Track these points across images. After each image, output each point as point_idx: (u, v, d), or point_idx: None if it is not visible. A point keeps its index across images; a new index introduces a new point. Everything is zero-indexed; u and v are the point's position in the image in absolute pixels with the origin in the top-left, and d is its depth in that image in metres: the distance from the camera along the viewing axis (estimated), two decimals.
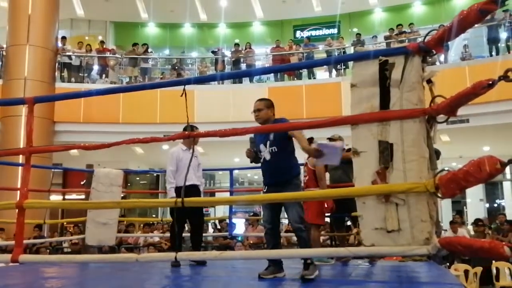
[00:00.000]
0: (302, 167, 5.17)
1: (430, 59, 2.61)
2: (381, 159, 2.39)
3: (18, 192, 9.19)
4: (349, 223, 6.20)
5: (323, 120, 2.63)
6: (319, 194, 3.03)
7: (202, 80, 10.23)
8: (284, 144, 3.85)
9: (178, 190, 4.93)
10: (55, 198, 13.98)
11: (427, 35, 2.41)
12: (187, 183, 4.74)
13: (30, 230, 9.67)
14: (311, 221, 5.11)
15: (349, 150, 5.69)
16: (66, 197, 15.11)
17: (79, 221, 8.08)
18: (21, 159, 8.89)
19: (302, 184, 5.03)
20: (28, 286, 3.82)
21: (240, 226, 11.53)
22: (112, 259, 3.35)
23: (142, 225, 11.07)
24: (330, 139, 5.92)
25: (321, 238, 5.69)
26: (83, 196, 13.42)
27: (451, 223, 9.59)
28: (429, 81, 2.45)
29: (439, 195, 2.20)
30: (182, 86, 3.03)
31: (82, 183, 14.03)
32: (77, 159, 14.25)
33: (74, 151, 12.41)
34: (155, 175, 18.27)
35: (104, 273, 4.61)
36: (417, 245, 2.24)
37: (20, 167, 9.75)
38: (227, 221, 8.61)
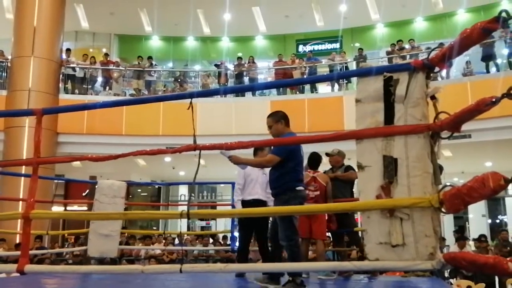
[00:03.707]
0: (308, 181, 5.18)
1: (432, 75, 2.64)
2: (385, 173, 2.40)
3: (20, 202, 9.24)
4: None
5: (328, 134, 2.66)
6: (326, 208, 3.04)
7: (206, 94, 10.25)
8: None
9: (245, 204, 5.04)
10: (57, 209, 13.96)
11: (431, 51, 2.45)
12: (252, 197, 4.99)
13: (31, 241, 9.66)
14: (322, 237, 5.14)
15: (342, 167, 5.77)
16: (68, 208, 15.11)
17: (81, 233, 8.08)
18: (24, 169, 8.94)
19: (312, 196, 5.04)
20: None
21: None
22: (117, 270, 3.35)
23: (143, 237, 11.04)
24: (328, 154, 5.96)
25: (309, 252, 5.70)
26: (85, 208, 13.47)
27: (458, 239, 9.56)
28: (433, 97, 2.48)
29: (444, 210, 2.21)
30: (185, 100, 3.08)
31: (84, 194, 14.10)
32: (79, 171, 14.29)
33: (76, 162, 12.44)
34: (156, 187, 18.29)
35: (106, 285, 4.61)
36: (422, 260, 2.25)
37: (22, 178, 9.83)
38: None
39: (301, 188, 3.97)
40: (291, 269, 3.35)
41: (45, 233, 7.91)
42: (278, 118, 4.08)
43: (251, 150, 4.77)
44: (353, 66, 14.52)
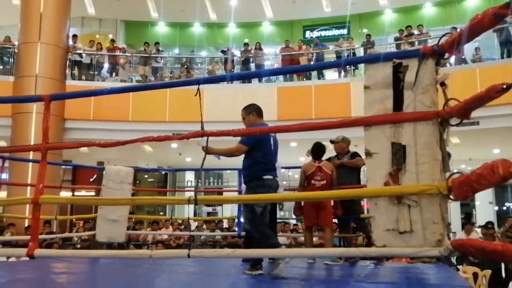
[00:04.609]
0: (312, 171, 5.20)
1: (442, 61, 2.62)
2: (393, 160, 2.41)
3: (28, 187, 9.27)
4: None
5: (336, 121, 2.65)
6: (335, 194, 3.05)
7: (212, 80, 10.23)
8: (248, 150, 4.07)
9: None
10: (65, 194, 14.09)
11: (441, 38, 2.43)
12: None
13: (40, 225, 9.73)
14: (329, 225, 5.17)
15: (347, 153, 5.76)
16: (76, 193, 15.23)
17: (89, 218, 8.15)
18: (31, 155, 9.01)
19: (319, 186, 5.06)
20: (40, 281, 3.87)
21: None
22: (126, 255, 3.38)
23: (150, 222, 11.14)
24: (333, 141, 5.95)
25: (313, 238, 5.72)
26: (92, 193, 13.57)
27: (465, 225, 9.57)
28: (442, 84, 2.46)
29: (452, 197, 2.21)
30: (191, 86, 3.09)
31: (91, 180, 14.19)
32: (86, 156, 14.37)
33: (83, 148, 12.50)
34: (163, 173, 18.37)
35: (114, 269, 4.66)
36: (429, 247, 2.26)
37: (30, 163, 9.90)
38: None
39: (268, 177, 4.09)
40: (296, 255, 3.38)
41: (53, 218, 7.99)
42: (250, 110, 4.29)
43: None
44: (360, 52, 14.40)
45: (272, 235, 4.03)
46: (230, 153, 4.16)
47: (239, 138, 4.12)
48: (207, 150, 3.92)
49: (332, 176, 5.15)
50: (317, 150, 5.34)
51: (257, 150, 4.06)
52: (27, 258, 3.15)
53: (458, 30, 2.37)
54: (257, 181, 4.05)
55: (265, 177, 4.05)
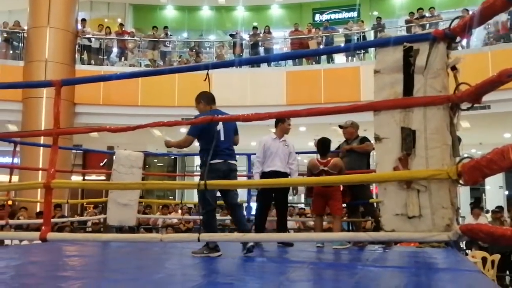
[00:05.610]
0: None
1: (454, 45, 2.59)
2: (403, 145, 2.40)
3: (40, 172, 9.36)
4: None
5: (345, 106, 2.64)
6: (344, 179, 3.06)
7: (221, 65, 10.17)
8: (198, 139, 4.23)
9: (264, 175, 5.18)
10: (75, 178, 14.22)
11: (453, 21, 2.40)
12: (270, 169, 5.14)
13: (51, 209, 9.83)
14: (338, 213, 5.19)
15: (357, 138, 5.74)
16: (86, 178, 15.37)
17: (100, 202, 8.23)
18: (42, 140, 9.10)
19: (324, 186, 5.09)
20: (53, 263, 3.93)
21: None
22: (137, 238, 3.43)
23: (160, 206, 11.24)
24: (341, 126, 5.92)
25: (323, 223, 5.75)
26: (102, 177, 13.71)
27: (473, 209, 9.54)
28: (453, 68, 2.44)
29: (462, 182, 2.21)
30: (200, 71, 3.10)
31: (101, 164, 14.31)
32: (96, 141, 14.45)
33: (93, 133, 12.58)
34: (172, 157, 18.46)
35: (125, 253, 4.72)
36: (438, 232, 2.26)
37: (41, 148, 10.01)
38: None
39: (216, 161, 4.16)
40: (305, 239, 3.40)
41: (65, 202, 8.09)
42: (199, 100, 4.31)
43: None
44: (370, 35, 14.23)
45: (214, 228, 4.22)
46: (180, 145, 4.24)
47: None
48: (166, 144, 4.27)
49: (341, 172, 5.12)
50: (323, 146, 5.32)
51: (202, 138, 4.16)
52: (40, 241, 3.20)
53: (470, 12, 2.33)
54: (205, 167, 4.13)
55: (212, 162, 4.12)
